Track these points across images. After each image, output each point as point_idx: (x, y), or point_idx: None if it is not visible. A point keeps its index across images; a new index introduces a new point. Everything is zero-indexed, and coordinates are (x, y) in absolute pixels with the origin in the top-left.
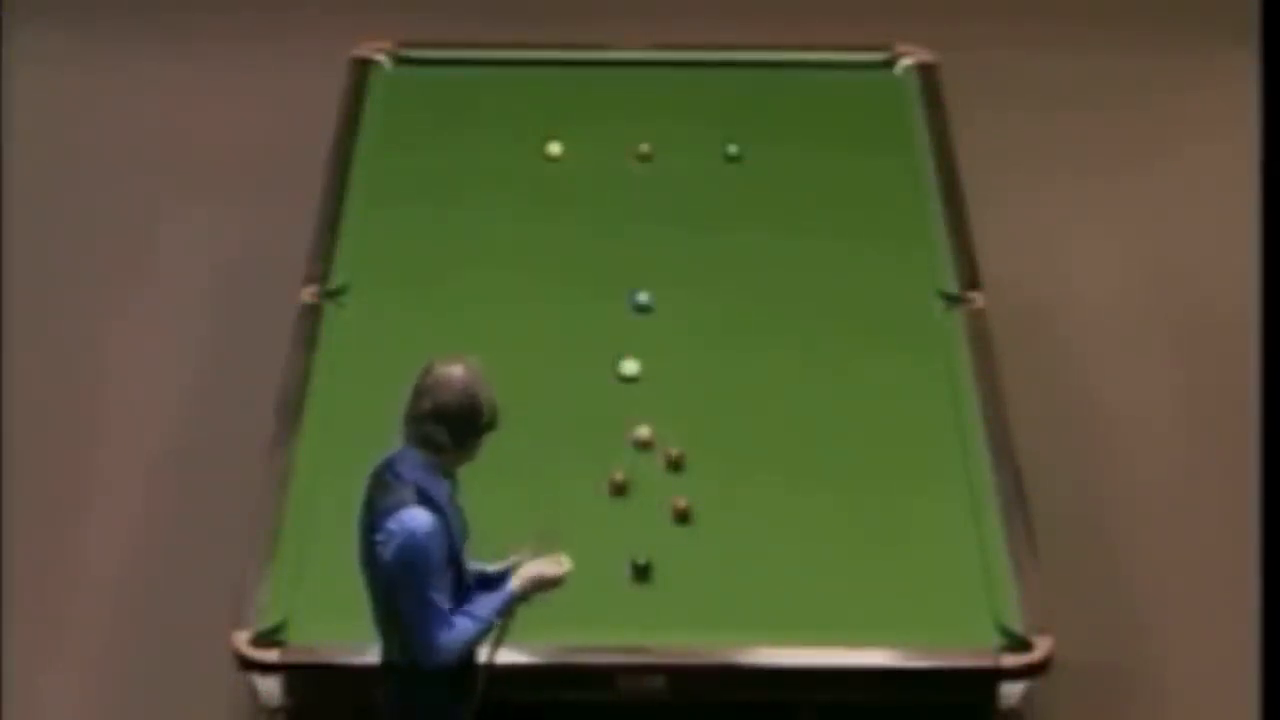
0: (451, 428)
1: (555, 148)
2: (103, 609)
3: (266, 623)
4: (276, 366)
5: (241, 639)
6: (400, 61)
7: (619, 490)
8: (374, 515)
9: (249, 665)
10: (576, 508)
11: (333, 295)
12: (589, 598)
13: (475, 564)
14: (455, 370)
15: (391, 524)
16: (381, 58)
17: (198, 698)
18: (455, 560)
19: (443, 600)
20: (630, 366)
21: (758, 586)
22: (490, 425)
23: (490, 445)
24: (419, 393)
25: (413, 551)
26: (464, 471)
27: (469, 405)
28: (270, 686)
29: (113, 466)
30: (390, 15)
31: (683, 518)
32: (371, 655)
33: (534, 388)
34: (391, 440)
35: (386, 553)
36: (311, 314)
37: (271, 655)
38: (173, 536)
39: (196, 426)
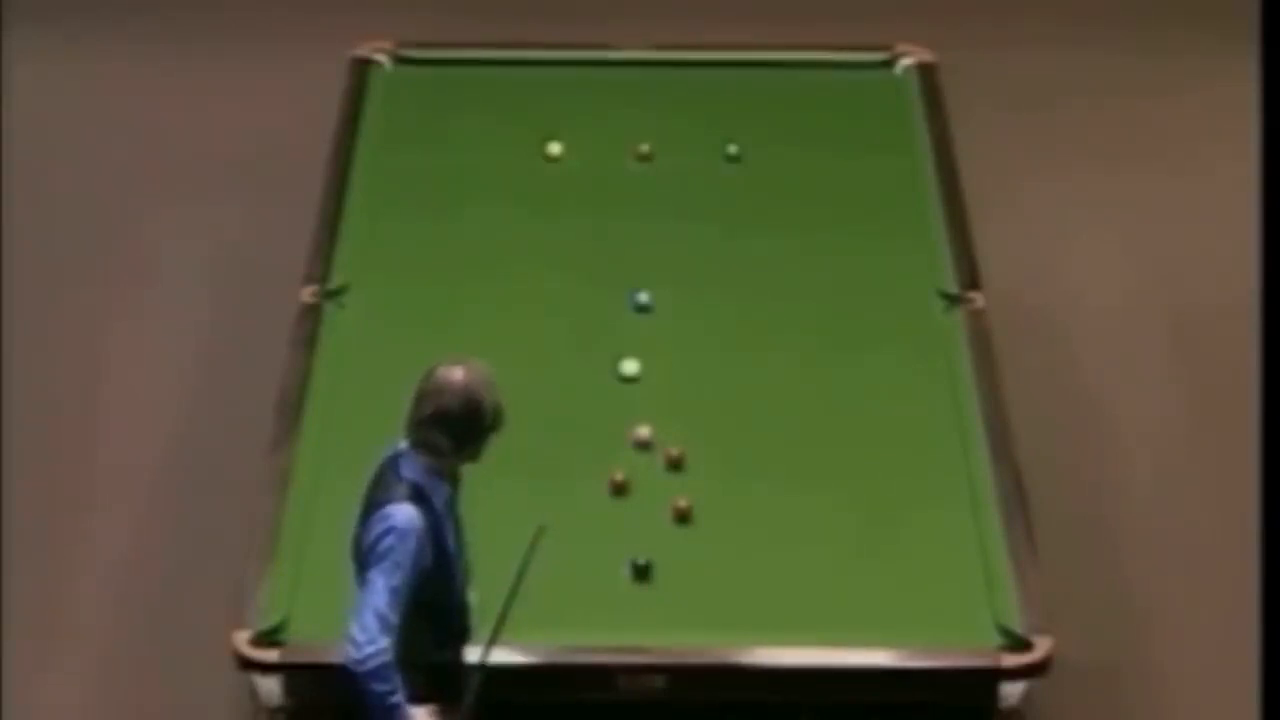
0: (452, 432)
1: (555, 148)
2: (103, 609)
3: (266, 623)
4: (276, 366)
5: (241, 639)
6: (400, 61)
7: (619, 490)
8: (366, 507)
9: (249, 665)
10: (576, 508)
11: (333, 295)
12: (589, 598)
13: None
14: (456, 374)
15: (377, 515)
16: (381, 58)
17: (198, 698)
18: (446, 566)
19: (395, 610)
20: (630, 366)
21: (758, 586)
22: (494, 427)
23: (491, 445)
24: (420, 397)
25: (388, 542)
26: (465, 472)
27: (470, 409)
28: (270, 686)
29: (113, 466)
30: (390, 15)
31: (683, 518)
32: None
33: (534, 388)
34: (389, 440)
35: (365, 540)
36: (311, 314)
37: (271, 655)
38: (173, 536)
39: (196, 426)
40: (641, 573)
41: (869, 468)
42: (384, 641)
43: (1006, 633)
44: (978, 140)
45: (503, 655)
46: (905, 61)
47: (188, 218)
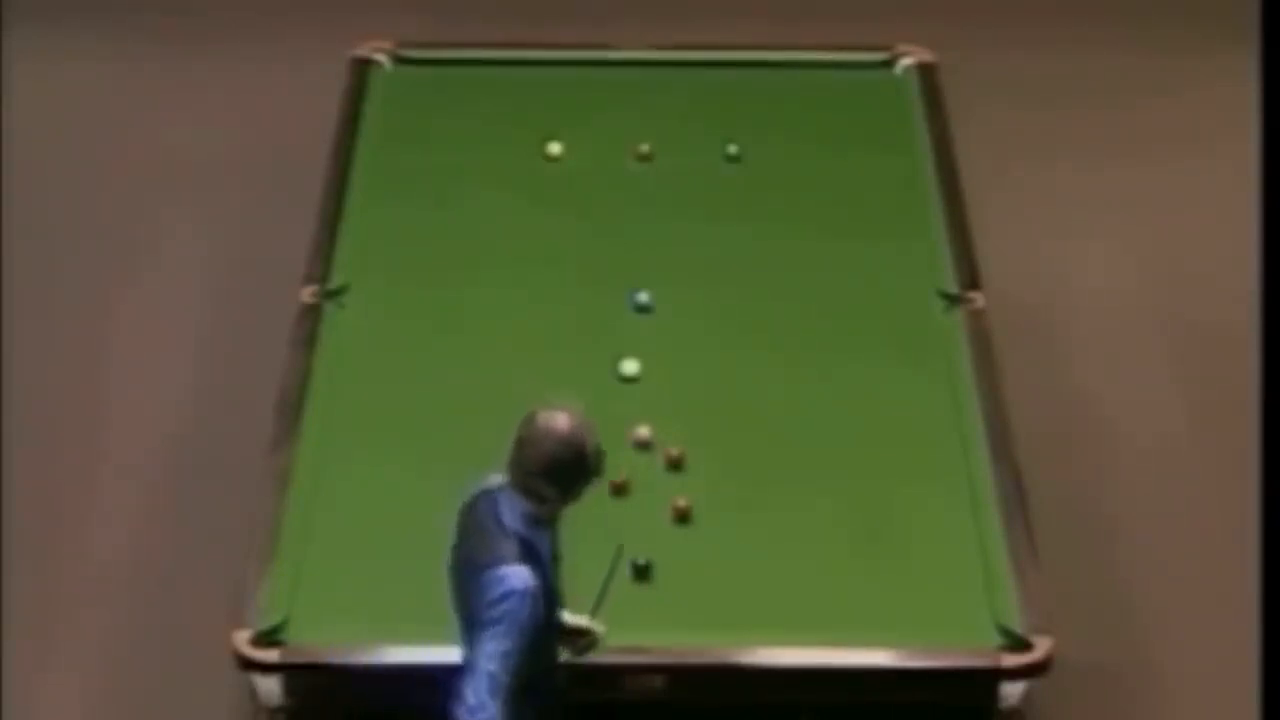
0: (558, 480)
1: (555, 148)
2: (103, 608)
3: (266, 623)
4: (276, 366)
5: (241, 639)
6: (400, 61)
7: (619, 490)
8: (474, 564)
9: (249, 665)
10: (577, 508)
11: (333, 295)
12: (589, 598)
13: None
14: (560, 420)
15: (491, 576)
16: (381, 58)
17: (198, 698)
18: (552, 620)
19: (508, 672)
20: (630, 366)
21: (758, 586)
22: (597, 473)
23: (490, 446)
24: (524, 444)
25: (505, 607)
26: (456, 473)
27: (578, 457)
28: (270, 686)
29: (113, 466)
30: (390, 15)
31: (683, 518)
32: (371, 655)
33: (534, 388)
34: (389, 440)
35: (483, 602)
36: (311, 314)
37: (271, 655)
38: (173, 536)
39: (196, 426)
40: (641, 573)
41: (869, 468)
42: (494, 706)
43: (1006, 633)
44: (978, 140)
45: None
46: (905, 61)
47: (187, 217)
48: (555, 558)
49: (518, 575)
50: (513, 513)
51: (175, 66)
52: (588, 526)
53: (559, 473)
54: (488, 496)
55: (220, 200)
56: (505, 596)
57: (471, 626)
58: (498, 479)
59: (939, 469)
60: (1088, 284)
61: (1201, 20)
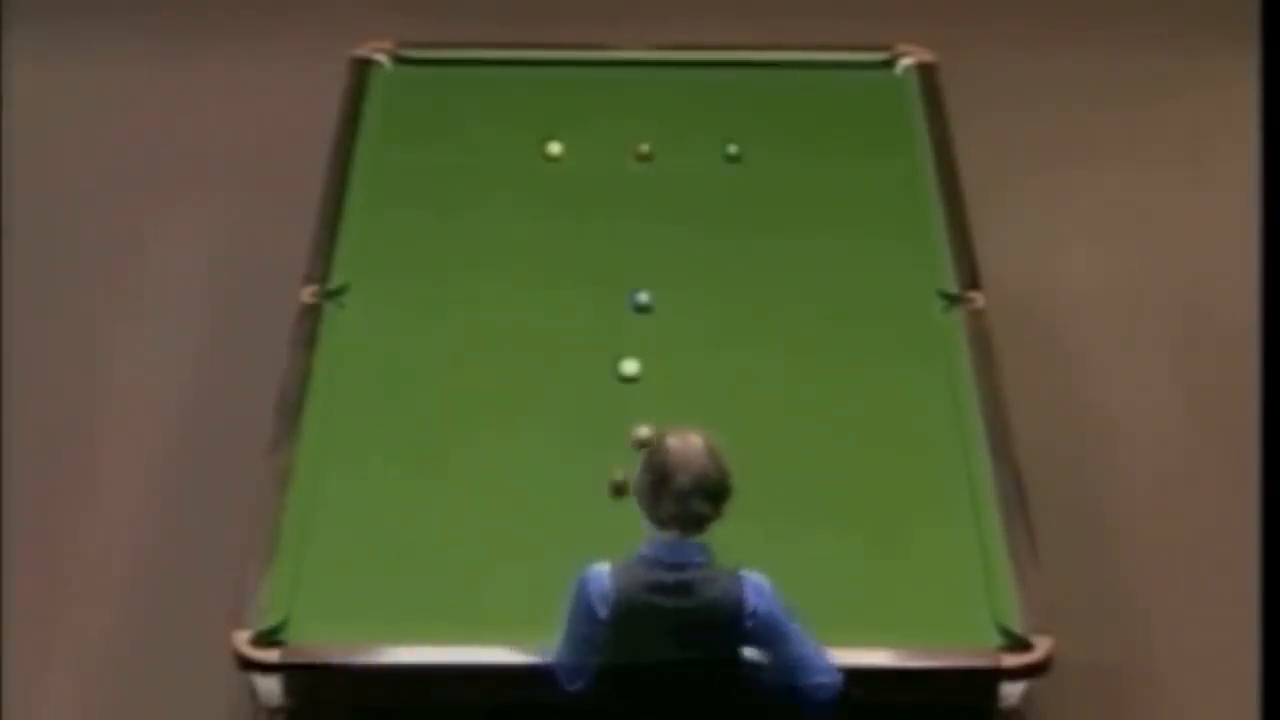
0: (716, 497)
1: (555, 148)
2: (102, 608)
3: (266, 623)
4: (276, 366)
5: (241, 639)
6: (400, 61)
7: (619, 490)
8: (722, 603)
9: (249, 665)
10: (576, 508)
11: (333, 295)
12: None
13: None
14: (694, 440)
15: (755, 591)
16: (381, 58)
17: (198, 698)
18: None
19: None
20: (630, 366)
21: None
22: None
23: (490, 446)
24: (667, 473)
25: (781, 601)
26: (460, 475)
27: (724, 472)
28: (270, 686)
29: (113, 466)
30: (390, 15)
31: None
32: (371, 655)
33: (534, 388)
34: (389, 440)
35: (770, 612)
36: (311, 314)
37: (271, 655)
38: (173, 536)
39: (196, 426)
40: None
41: (869, 468)
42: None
43: (1006, 633)
44: (978, 140)
45: (502, 655)
46: (905, 61)
47: (188, 218)
48: None
49: (756, 576)
50: (686, 552)
51: (175, 66)
52: (588, 527)
53: (712, 491)
54: (638, 573)
55: (220, 200)
56: (775, 592)
57: (771, 637)
58: (605, 568)
59: (939, 469)
60: (1088, 284)
61: (1201, 21)
